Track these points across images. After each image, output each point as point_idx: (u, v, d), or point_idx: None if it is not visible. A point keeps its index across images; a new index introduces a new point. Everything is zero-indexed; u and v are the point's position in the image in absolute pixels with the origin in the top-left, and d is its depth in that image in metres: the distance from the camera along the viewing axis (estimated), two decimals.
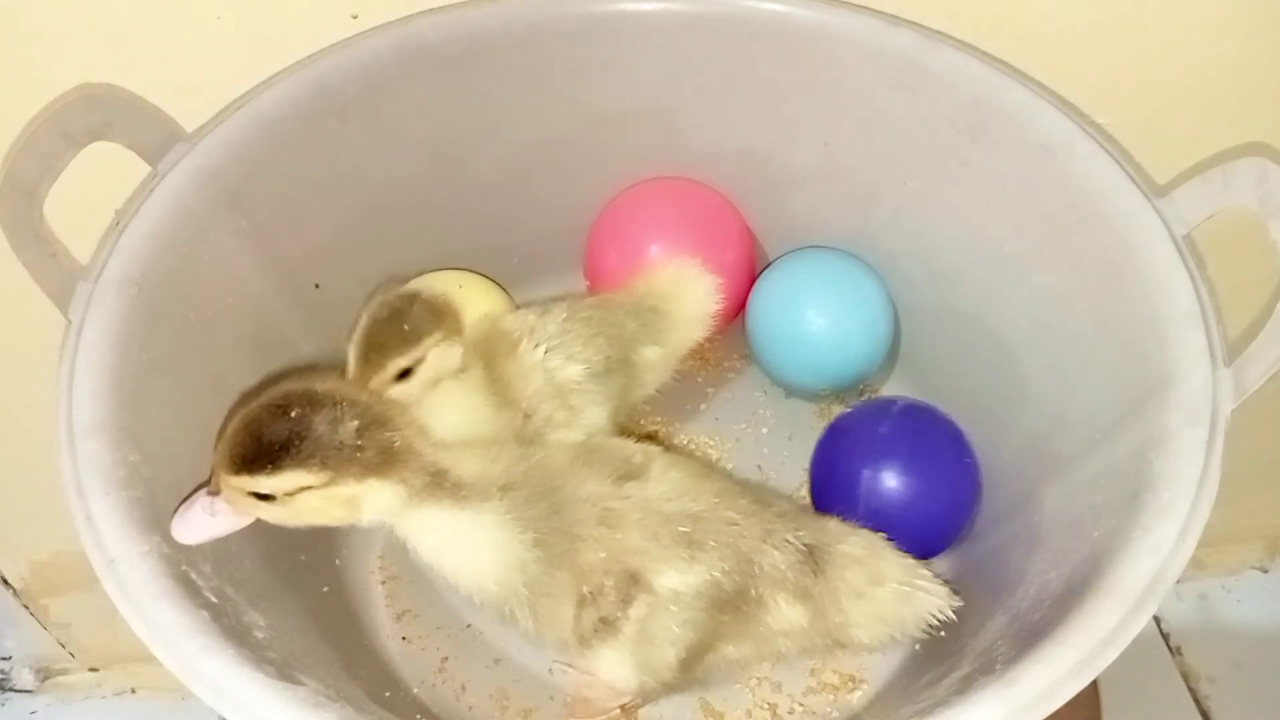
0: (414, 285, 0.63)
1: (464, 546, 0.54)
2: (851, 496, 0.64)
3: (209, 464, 0.58)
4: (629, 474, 0.56)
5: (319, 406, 0.49)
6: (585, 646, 0.55)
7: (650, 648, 0.55)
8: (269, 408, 0.49)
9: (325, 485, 0.49)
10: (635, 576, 0.54)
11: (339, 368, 0.60)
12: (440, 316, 0.60)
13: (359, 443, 0.49)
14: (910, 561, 0.59)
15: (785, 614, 0.56)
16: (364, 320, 0.59)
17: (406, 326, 0.58)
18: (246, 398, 0.59)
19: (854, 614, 0.57)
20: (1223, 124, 0.72)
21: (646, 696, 0.61)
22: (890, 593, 0.58)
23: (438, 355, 0.59)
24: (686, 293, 0.69)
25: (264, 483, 0.49)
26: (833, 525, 0.59)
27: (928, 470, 0.65)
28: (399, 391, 0.58)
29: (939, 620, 0.58)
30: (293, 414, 0.48)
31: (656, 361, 0.69)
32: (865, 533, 0.60)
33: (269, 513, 0.50)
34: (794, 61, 0.66)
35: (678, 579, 0.54)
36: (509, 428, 0.63)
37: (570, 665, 0.65)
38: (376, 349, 0.58)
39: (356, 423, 0.49)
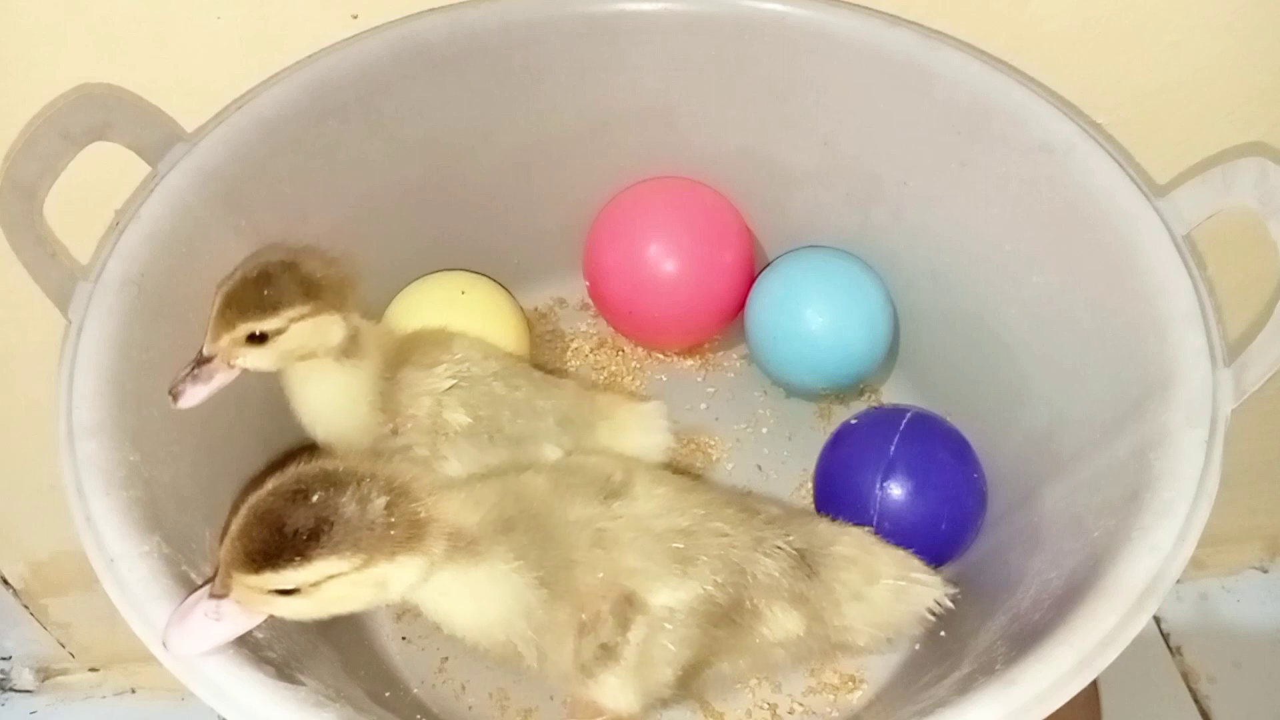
0: (307, 253, 0.58)
1: (476, 604, 0.51)
2: (858, 510, 0.64)
3: (209, 464, 0.58)
4: (614, 493, 0.55)
5: (342, 486, 0.45)
6: (588, 676, 0.54)
7: (648, 668, 0.54)
8: (285, 495, 0.45)
9: (357, 570, 0.45)
10: (631, 599, 0.53)
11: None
12: (315, 290, 0.56)
13: (391, 519, 0.45)
14: (901, 554, 0.59)
15: (781, 623, 0.55)
16: (235, 275, 0.56)
17: (267, 291, 0.55)
18: (250, 486, 0.54)
19: (852, 617, 0.57)
20: (1223, 124, 0.72)
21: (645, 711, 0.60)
22: (885, 589, 0.57)
23: (306, 328, 0.56)
24: (633, 432, 0.65)
25: (290, 577, 0.44)
26: (823, 527, 0.59)
27: (939, 488, 0.64)
28: (250, 357, 0.55)
29: (936, 614, 0.58)
30: (314, 498, 0.44)
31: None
32: (854, 530, 0.59)
33: (287, 608, 0.46)
34: (794, 61, 0.66)
35: (671, 596, 0.53)
36: (372, 431, 0.61)
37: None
38: (233, 306, 0.55)
39: (385, 499, 0.46)
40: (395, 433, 0.61)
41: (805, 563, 0.56)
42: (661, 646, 0.54)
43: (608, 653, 0.53)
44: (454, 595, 0.50)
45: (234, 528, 0.45)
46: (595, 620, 0.52)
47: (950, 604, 0.57)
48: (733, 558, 0.55)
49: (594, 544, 0.53)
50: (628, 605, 0.53)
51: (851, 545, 0.58)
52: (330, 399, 0.60)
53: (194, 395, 0.55)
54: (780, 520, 0.58)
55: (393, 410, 0.61)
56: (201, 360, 0.55)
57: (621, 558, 0.53)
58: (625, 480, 0.56)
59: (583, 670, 0.53)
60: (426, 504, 0.48)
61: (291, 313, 0.55)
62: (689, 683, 0.56)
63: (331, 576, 0.45)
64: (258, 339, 0.55)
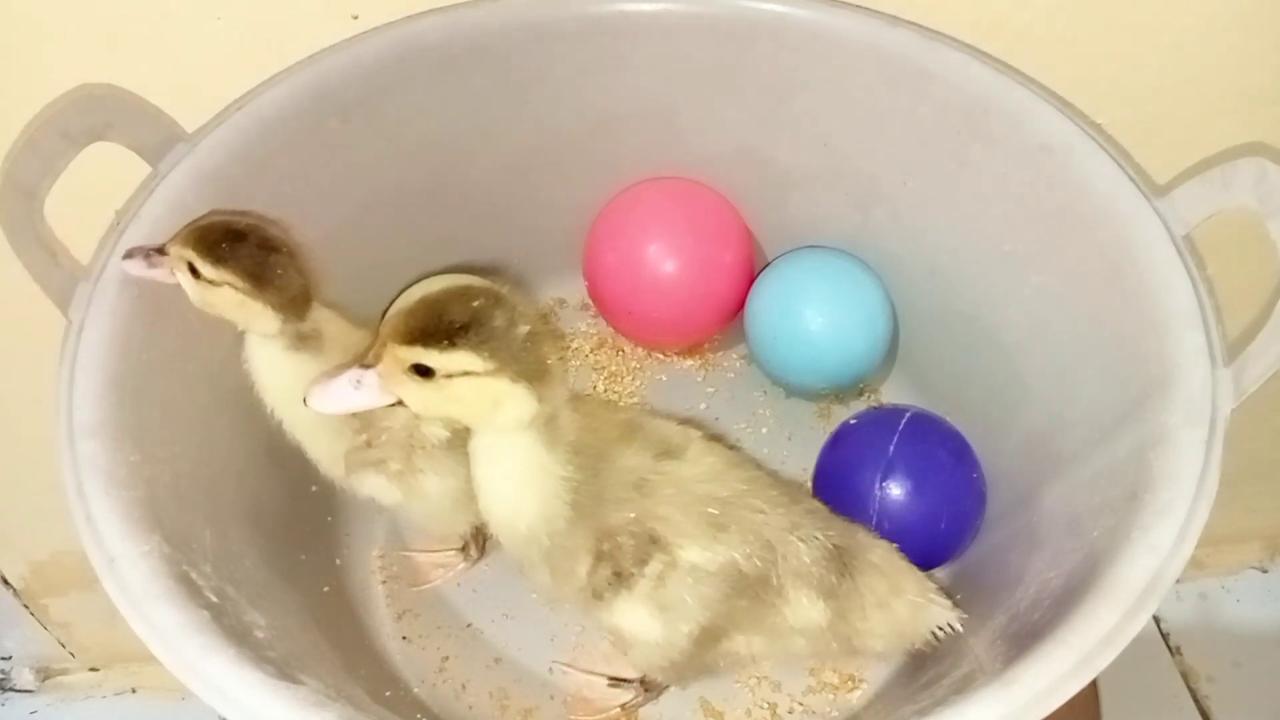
0: (294, 250, 0.58)
1: (522, 484, 0.55)
2: (858, 510, 0.64)
3: (209, 464, 0.58)
4: (668, 453, 0.58)
5: (501, 304, 0.51)
6: (597, 599, 0.56)
7: (666, 616, 0.56)
8: (454, 292, 0.51)
9: (486, 375, 0.50)
10: (655, 538, 0.55)
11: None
12: (260, 279, 0.56)
13: (526, 345, 0.51)
14: (921, 575, 0.60)
15: (806, 610, 0.56)
16: (231, 215, 0.57)
17: (224, 245, 0.55)
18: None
19: (876, 623, 0.58)
20: (1223, 124, 0.72)
21: (653, 680, 0.61)
22: (906, 604, 0.58)
23: (234, 299, 0.56)
24: None
25: (435, 358, 0.49)
26: (861, 535, 0.60)
27: (938, 488, 0.64)
28: (184, 280, 0.56)
29: (946, 634, 0.58)
30: (476, 303, 0.50)
31: None
32: (884, 543, 0.60)
33: (419, 394, 0.51)
34: (794, 61, 0.66)
35: (699, 555, 0.55)
36: (345, 438, 0.60)
37: (570, 665, 0.65)
38: (196, 234, 0.55)
39: (528, 328, 0.51)
40: (369, 444, 0.60)
41: (842, 560, 0.57)
42: (680, 599, 0.55)
43: (620, 580, 0.55)
44: (511, 463, 0.54)
45: (403, 308, 0.51)
46: (615, 549, 0.55)
47: (960, 628, 0.58)
48: (765, 534, 0.56)
49: (634, 489, 0.55)
50: (650, 542, 0.55)
51: (881, 557, 0.59)
52: (280, 382, 0.59)
53: (136, 269, 0.55)
54: (821, 514, 0.59)
55: (366, 420, 0.60)
56: (163, 250, 0.56)
57: (657, 506, 0.55)
58: (682, 444, 0.58)
59: (594, 594, 0.56)
60: (558, 360, 0.52)
61: (229, 277, 0.55)
62: (705, 649, 0.57)
63: (466, 372, 0.50)
64: (194, 272, 0.55)
